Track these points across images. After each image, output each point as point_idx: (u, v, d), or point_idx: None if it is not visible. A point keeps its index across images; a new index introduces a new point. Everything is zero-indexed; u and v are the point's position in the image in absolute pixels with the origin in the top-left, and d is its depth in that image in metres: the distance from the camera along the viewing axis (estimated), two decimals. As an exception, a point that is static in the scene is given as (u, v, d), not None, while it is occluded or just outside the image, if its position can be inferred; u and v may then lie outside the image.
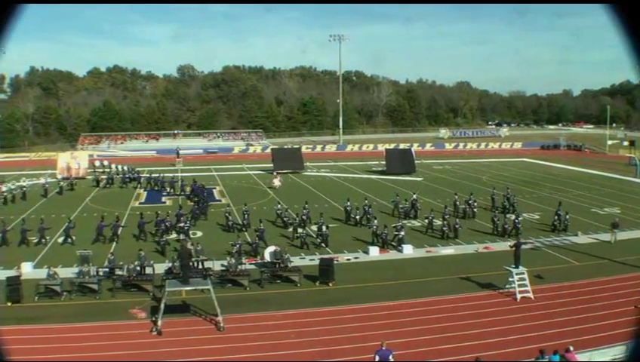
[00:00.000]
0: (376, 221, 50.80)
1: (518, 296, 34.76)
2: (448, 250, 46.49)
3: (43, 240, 50.25)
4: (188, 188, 73.53)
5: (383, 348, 25.14)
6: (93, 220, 54.32)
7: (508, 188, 66.72)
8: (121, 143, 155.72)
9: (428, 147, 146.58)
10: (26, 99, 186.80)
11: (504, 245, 45.01)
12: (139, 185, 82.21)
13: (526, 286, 35.14)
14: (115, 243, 49.87)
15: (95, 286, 36.96)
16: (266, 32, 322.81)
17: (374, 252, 45.47)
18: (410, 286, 37.57)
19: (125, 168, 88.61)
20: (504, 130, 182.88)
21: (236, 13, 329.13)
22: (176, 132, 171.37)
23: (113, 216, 55.44)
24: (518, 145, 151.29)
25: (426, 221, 53.14)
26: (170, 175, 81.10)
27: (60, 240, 51.38)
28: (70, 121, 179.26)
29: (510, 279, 35.61)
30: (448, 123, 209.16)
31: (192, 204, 64.50)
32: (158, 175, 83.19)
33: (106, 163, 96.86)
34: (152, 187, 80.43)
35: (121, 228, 52.32)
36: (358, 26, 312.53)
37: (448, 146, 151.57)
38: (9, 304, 35.24)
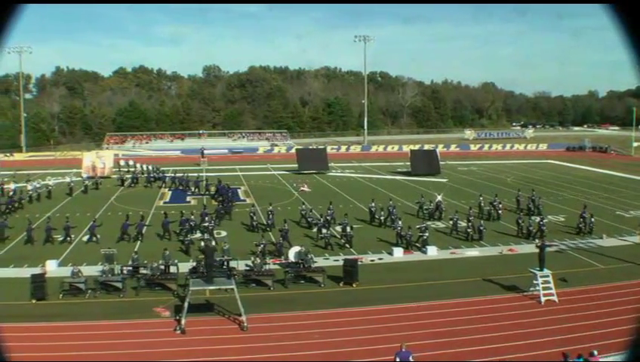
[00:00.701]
0: (400, 222, 50.75)
1: (543, 299, 34.52)
2: (472, 252, 46.39)
3: (68, 239, 50.67)
4: (212, 188, 73.68)
5: (403, 350, 25.12)
6: (118, 219, 54.61)
7: (533, 190, 66.29)
8: (146, 143, 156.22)
9: (453, 148, 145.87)
10: (52, 99, 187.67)
11: (528, 247, 44.85)
12: (163, 185, 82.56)
13: (550, 289, 34.90)
14: (139, 242, 50.27)
15: (119, 285, 37.23)
16: (291, 33, 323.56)
17: (398, 253, 45.46)
18: (433, 287, 37.49)
19: (150, 168, 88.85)
20: (529, 132, 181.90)
21: (261, 14, 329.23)
22: (201, 132, 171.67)
23: (138, 215, 55.63)
24: (543, 146, 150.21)
25: (451, 222, 53.01)
26: (194, 174, 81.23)
27: (85, 238, 51.71)
28: (95, 120, 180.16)
29: (534, 282, 35.38)
30: (473, 124, 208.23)
31: (217, 203, 64.71)
32: (181, 174, 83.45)
33: (131, 162, 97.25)
34: (176, 186, 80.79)
35: (145, 227, 52.54)
36: (384, 27, 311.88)
37: (473, 147, 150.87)
38: (34, 301, 35.57)
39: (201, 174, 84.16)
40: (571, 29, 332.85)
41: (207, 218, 53.22)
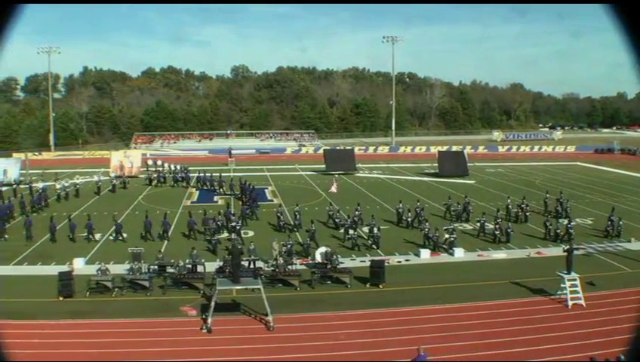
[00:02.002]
0: (427, 223, 50.71)
1: (570, 303, 34.29)
2: (500, 255, 46.14)
3: (91, 237, 51.04)
4: (237, 188, 74.01)
5: (422, 354, 25.09)
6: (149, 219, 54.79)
7: (561, 192, 65.83)
8: (174, 143, 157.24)
9: (481, 150, 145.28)
10: (80, 99, 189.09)
11: (556, 250, 44.52)
12: (190, 185, 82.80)
13: (578, 292, 34.62)
14: (166, 241, 50.58)
15: (146, 283, 37.49)
16: (319, 33, 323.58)
17: (425, 254, 45.32)
18: (460, 290, 37.32)
19: (178, 167, 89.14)
20: (557, 133, 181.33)
21: (290, 14, 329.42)
22: (228, 132, 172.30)
23: (163, 214, 55.84)
24: (571, 148, 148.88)
25: (478, 224, 52.81)
26: (217, 174, 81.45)
27: (112, 237, 52.11)
28: (123, 120, 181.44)
29: (562, 285, 35.14)
30: (501, 125, 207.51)
31: (243, 203, 64.90)
32: (203, 174, 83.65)
33: (159, 162, 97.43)
34: (201, 186, 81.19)
35: (170, 225, 52.83)
36: (412, 28, 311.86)
37: (501, 149, 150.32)
38: (61, 298, 35.93)
39: (225, 174, 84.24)
40: (599, 29, 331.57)
41: (233, 218, 53.46)
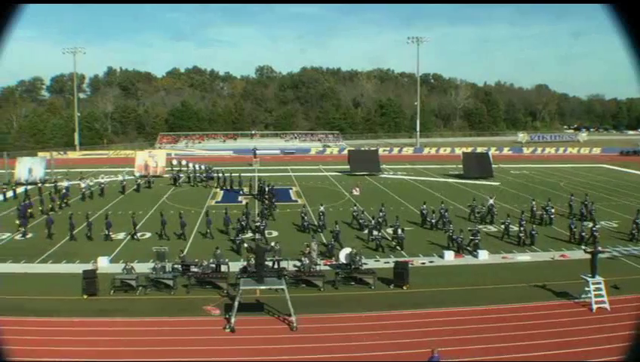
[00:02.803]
0: (452, 225, 50.64)
1: (594, 307, 34.05)
2: (524, 257, 45.90)
3: (110, 234, 51.60)
4: (255, 188, 74.50)
5: (435, 355, 25.06)
6: (170, 218, 54.95)
7: (586, 194, 65.39)
8: (199, 143, 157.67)
9: (505, 151, 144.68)
10: (105, 99, 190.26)
11: (581, 253, 44.22)
12: (214, 185, 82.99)
13: (602, 296, 34.35)
14: (189, 240, 50.86)
15: (170, 282, 37.70)
16: (344, 34, 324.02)
17: (449, 256, 45.21)
18: (484, 292, 37.22)
19: (202, 167, 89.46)
20: (583, 135, 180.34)
21: (315, 15, 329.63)
22: (253, 132, 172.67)
23: (189, 213, 56.08)
24: (596, 150, 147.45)
25: (502, 226, 52.65)
26: (237, 174, 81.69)
27: (129, 236, 52.61)
28: (148, 120, 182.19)
29: (586, 289, 34.88)
30: (526, 127, 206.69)
31: (262, 204, 65.15)
32: (223, 174, 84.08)
33: (183, 162, 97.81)
34: (222, 186, 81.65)
35: (185, 224, 53.18)
36: (437, 28, 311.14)
37: (526, 151, 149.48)
38: (85, 297, 36.23)
39: (245, 174, 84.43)
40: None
41: (257, 218, 53.62)
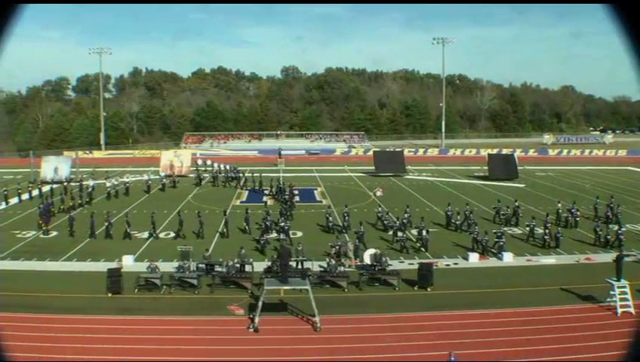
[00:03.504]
0: (477, 227, 50.51)
1: (619, 311, 33.79)
2: (549, 260, 45.65)
3: (130, 233, 52.23)
4: (274, 188, 75.05)
5: (452, 359, 25.04)
6: (195, 217, 55.19)
7: (612, 197, 64.88)
8: (224, 143, 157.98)
9: (531, 153, 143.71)
10: (131, 99, 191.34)
11: (606, 256, 44.05)
12: (235, 185, 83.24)
13: (627, 300, 34.02)
14: (200, 238, 51.28)
15: (194, 282, 37.92)
16: (369, 34, 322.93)
17: (474, 258, 45.12)
18: (508, 295, 37.07)
19: (227, 167, 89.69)
20: (608, 137, 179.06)
21: (340, 15, 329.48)
22: (278, 132, 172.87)
23: (215, 213, 56.28)
24: (622, 152, 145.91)
25: (527, 229, 52.44)
26: (258, 174, 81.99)
27: (162, 235, 53.05)
28: (174, 120, 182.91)
29: (611, 292, 34.61)
30: (552, 128, 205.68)
31: (280, 204, 65.40)
32: (243, 174, 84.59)
33: (208, 162, 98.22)
34: (241, 186, 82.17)
35: (203, 223, 53.46)
36: (462, 29, 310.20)
37: (551, 152, 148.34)
38: (109, 295, 36.57)
39: (267, 174, 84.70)
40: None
41: (281, 218, 53.75)
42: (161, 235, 53.37)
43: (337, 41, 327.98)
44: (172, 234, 53.03)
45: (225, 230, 53.13)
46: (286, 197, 67.07)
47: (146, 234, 53.00)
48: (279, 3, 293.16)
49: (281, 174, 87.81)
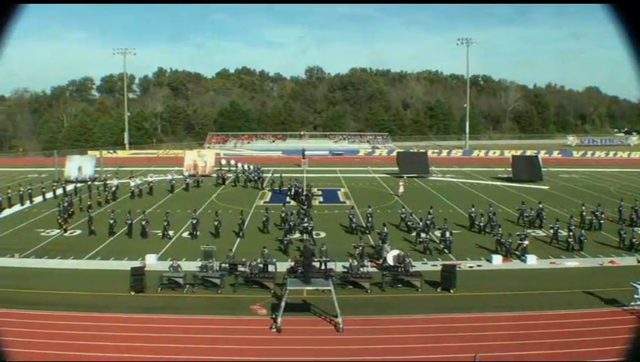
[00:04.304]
0: (500, 229, 50.32)
1: (644, 314, 33.71)
2: (572, 263, 45.33)
3: (148, 231, 52.88)
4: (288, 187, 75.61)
5: (477, 361, 25.00)
6: (226, 217, 55.43)
7: (637, 200, 64.43)
8: (248, 143, 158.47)
9: (555, 154, 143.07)
10: (155, 99, 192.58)
11: (630, 260, 43.87)
12: (258, 185, 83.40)
13: (652, 303, 34.13)
14: (238, 239, 51.51)
15: (217, 281, 38.11)
16: (393, 35, 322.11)
17: (497, 261, 44.94)
18: (531, 297, 36.86)
19: (251, 167, 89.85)
20: (633, 139, 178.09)
21: (363, 15, 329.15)
22: (302, 133, 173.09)
23: (238, 213, 56.39)
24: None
25: (551, 231, 52.22)
26: (278, 175, 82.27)
27: (185, 234, 53.32)
28: (197, 120, 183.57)
29: (635, 296, 34.38)
30: (576, 130, 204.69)
31: (297, 204, 65.58)
32: (260, 174, 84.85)
33: (232, 162, 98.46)
34: (258, 187, 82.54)
35: (220, 223, 53.73)
36: (487, 29, 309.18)
37: (576, 154, 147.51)
38: (132, 293, 36.82)
39: (276, 175, 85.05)
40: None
41: (306, 218, 53.82)
42: (184, 234, 53.78)
43: (361, 41, 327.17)
44: (198, 233, 53.15)
45: (241, 231, 53.36)
46: (303, 197, 67.16)
47: (170, 233, 53.22)
48: (303, 3, 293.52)
49: (305, 175, 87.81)
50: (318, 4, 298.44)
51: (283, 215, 55.57)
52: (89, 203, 65.19)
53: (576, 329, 31.69)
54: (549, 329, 31.41)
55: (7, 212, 64.94)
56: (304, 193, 67.87)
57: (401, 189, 75.94)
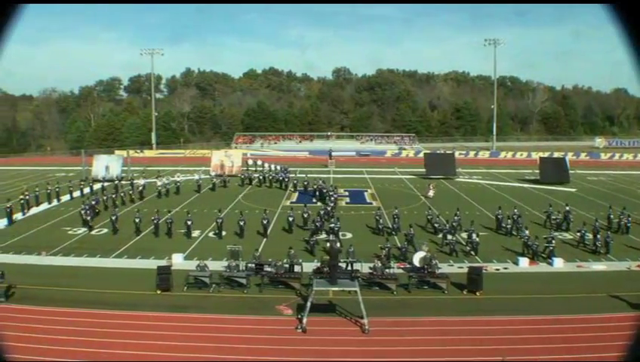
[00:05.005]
0: (527, 231, 50.13)
1: (672, 319, 33.47)
2: (599, 266, 45.01)
3: (172, 231, 53.34)
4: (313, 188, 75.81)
5: (503, 363, 25.00)
6: (245, 216, 55.56)
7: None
8: (275, 143, 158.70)
9: (582, 156, 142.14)
10: (182, 99, 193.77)
11: (658, 263, 43.63)
12: (284, 186, 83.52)
13: (680, 308, 33.85)
14: (265, 239, 51.71)
15: (243, 281, 38.23)
16: (420, 36, 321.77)
17: (524, 263, 44.75)
18: (558, 301, 36.66)
19: (278, 167, 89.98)
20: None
21: (390, 16, 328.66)
22: (329, 133, 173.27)
23: (266, 213, 56.51)
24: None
25: (578, 234, 51.95)
26: (303, 175, 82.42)
27: (211, 234, 53.62)
28: (224, 120, 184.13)
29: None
30: (604, 131, 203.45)
31: (322, 204, 65.53)
32: (287, 174, 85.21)
33: (259, 162, 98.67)
34: (285, 186, 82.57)
35: (244, 223, 53.92)
36: (514, 29, 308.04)
37: (603, 156, 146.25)
38: (158, 292, 37.09)
39: (300, 175, 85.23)
40: None
41: (332, 219, 53.91)
42: (210, 234, 54.09)
43: (388, 42, 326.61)
44: (222, 233, 53.34)
45: (266, 231, 53.54)
46: (327, 198, 67.19)
47: (196, 233, 53.53)
48: (334, 3, 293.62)
49: (331, 175, 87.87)
50: (345, 5, 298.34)
51: (305, 215, 55.92)
52: (114, 201, 65.77)
53: (602, 333, 31.47)
54: (574, 334, 31.29)
55: (34, 210, 65.55)
56: (328, 193, 67.78)
57: (431, 192, 75.81)
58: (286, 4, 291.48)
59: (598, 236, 49.40)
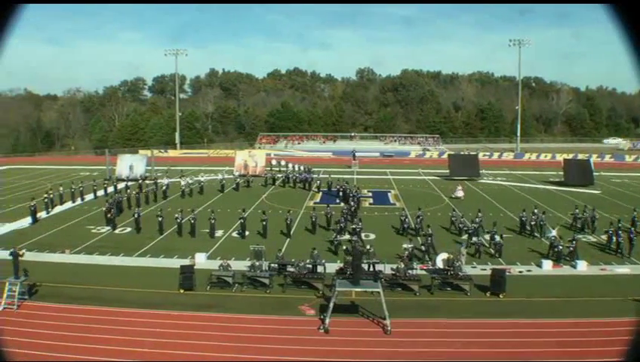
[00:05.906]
0: (554, 231, 49.82)
1: (697, 323, 33.25)
2: (623, 269, 44.68)
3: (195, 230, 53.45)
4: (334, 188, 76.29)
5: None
6: (268, 216, 55.68)
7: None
8: (298, 143, 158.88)
9: (607, 158, 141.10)
10: (206, 99, 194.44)
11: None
12: (308, 186, 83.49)
13: None
14: (288, 239, 51.92)
15: (266, 281, 38.36)
16: (445, 36, 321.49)
17: (547, 266, 44.54)
18: (580, 304, 36.44)
19: (302, 168, 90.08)
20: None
21: (414, 17, 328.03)
22: (353, 134, 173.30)
23: (289, 213, 56.55)
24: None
25: (602, 237, 51.70)
26: (326, 176, 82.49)
27: (235, 234, 53.88)
28: (248, 120, 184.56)
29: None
30: (629, 133, 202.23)
31: (345, 205, 65.47)
32: (311, 175, 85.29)
33: (282, 162, 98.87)
34: (309, 187, 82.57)
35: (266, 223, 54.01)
36: (539, 30, 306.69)
37: (628, 158, 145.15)
38: (181, 291, 37.33)
39: (323, 176, 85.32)
40: None
41: (355, 219, 53.91)
42: (234, 234, 54.44)
43: (413, 42, 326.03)
44: (246, 233, 53.47)
45: (290, 232, 53.66)
46: (350, 198, 67.20)
47: (219, 233, 53.74)
48: (358, 3, 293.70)
49: (355, 176, 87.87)
50: (369, 5, 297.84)
51: (328, 216, 56.01)
52: (138, 200, 65.98)
53: (621, 337, 31.30)
54: (597, 337, 31.08)
55: (58, 209, 66.07)
56: (352, 194, 67.77)
57: (461, 193, 75.70)
58: (309, 4, 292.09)
59: (620, 238, 48.98)
